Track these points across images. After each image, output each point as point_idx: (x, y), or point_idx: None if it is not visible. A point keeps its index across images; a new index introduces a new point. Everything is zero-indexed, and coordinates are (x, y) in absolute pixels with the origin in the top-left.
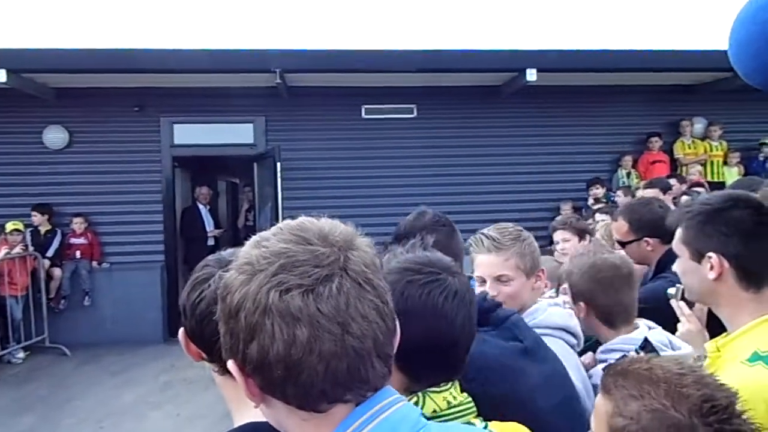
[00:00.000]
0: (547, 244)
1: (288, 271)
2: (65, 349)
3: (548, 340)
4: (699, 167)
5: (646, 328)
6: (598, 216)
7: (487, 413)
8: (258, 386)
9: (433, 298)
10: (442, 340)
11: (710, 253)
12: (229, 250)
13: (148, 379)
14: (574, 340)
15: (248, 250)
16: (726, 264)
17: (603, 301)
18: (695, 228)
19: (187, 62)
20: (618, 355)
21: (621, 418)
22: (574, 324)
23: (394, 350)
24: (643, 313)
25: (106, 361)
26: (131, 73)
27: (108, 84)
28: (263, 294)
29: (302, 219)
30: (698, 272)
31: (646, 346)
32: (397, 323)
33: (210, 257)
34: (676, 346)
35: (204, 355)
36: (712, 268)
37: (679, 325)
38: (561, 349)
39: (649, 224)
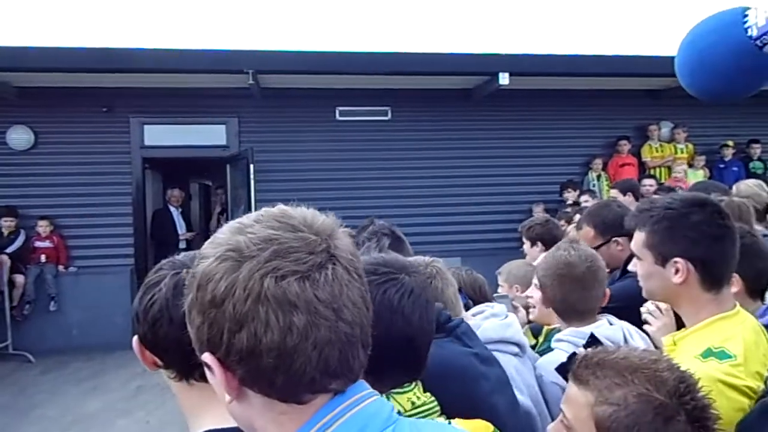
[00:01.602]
0: (519, 246)
1: (282, 257)
2: (29, 356)
3: None
4: (685, 165)
5: (607, 323)
6: (577, 217)
7: (450, 416)
8: (238, 379)
9: (389, 297)
10: (400, 338)
11: (676, 258)
12: (184, 254)
13: (117, 385)
14: (515, 349)
15: (229, 236)
16: (691, 268)
17: (571, 298)
18: (661, 233)
19: (159, 62)
20: (565, 345)
21: (607, 405)
22: (511, 334)
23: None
24: (612, 312)
25: (72, 367)
26: (99, 73)
27: (75, 83)
28: (256, 280)
29: (282, 207)
30: (662, 276)
31: (593, 342)
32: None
33: (164, 261)
34: (630, 342)
35: (159, 362)
36: (677, 272)
37: (649, 317)
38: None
39: (614, 224)
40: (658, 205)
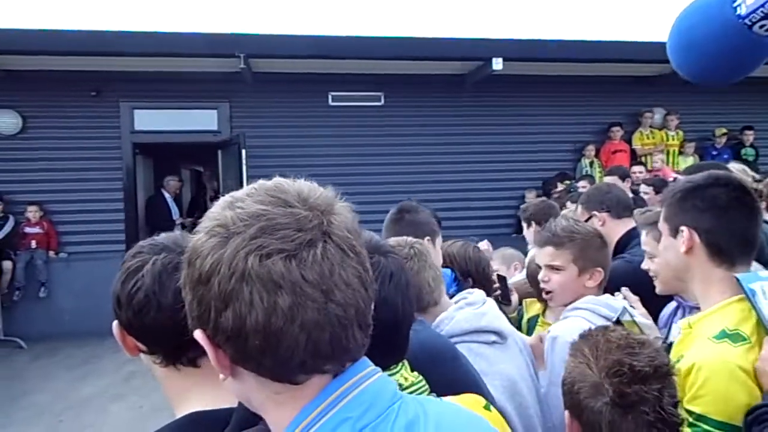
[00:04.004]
0: (512, 231)
1: (268, 234)
2: (21, 342)
3: (461, 347)
4: (662, 155)
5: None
6: (569, 204)
7: (439, 394)
8: (229, 358)
9: None
10: (385, 325)
11: (682, 227)
12: (165, 235)
13: (110, 371)
14: (492, 338)
15: (219, 211)
16: (696, 238)
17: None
18: (674, 205)
19: (149, 45)
20: (584, 313)
21: (565, 372)
22: (486, 322)
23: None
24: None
25: (65, 353)
26: (89, 56)
27: (64, 67)
28: (241, 258)
29: (278, 180)
30: (674, 247)
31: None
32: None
33: (143, 243)
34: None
35: (142, 347)
36: (684, 242)
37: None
38: (470, 353)
39: (595, 199)
40: (682, 180)
